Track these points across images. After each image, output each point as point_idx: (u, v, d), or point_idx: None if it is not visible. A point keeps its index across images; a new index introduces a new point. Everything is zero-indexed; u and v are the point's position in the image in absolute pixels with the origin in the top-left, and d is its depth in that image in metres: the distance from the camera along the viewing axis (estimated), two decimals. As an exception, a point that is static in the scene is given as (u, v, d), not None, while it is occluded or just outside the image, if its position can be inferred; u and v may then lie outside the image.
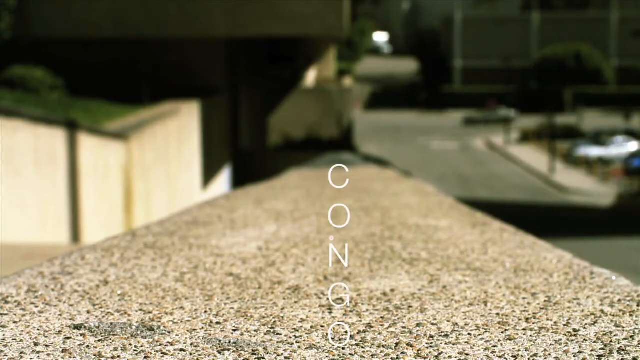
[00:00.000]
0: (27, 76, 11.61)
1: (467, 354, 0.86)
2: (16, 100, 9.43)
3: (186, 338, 0.91)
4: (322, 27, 14.47)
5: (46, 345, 0.89)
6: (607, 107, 64.87)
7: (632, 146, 46.43)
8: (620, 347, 0.89)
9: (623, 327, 0.96)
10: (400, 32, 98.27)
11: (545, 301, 1.08)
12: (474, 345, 0.89)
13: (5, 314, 1.02)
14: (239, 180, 15.05)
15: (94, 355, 0.86)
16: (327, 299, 1.11)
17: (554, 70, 60.23)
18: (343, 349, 0.89)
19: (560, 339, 0.91)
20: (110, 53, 14.21)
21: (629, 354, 0.87)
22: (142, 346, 0.88)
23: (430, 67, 74.37)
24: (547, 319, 0.99)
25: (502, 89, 58.71)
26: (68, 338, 0.92)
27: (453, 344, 0.90)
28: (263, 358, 0.84)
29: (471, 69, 71.76)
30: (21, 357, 0.85)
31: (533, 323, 0.98)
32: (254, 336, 0.91)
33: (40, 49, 12.92)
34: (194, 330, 0.94)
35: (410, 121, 62.81)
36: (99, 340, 0.90)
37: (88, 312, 1.02)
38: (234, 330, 0.94)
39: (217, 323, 0.97)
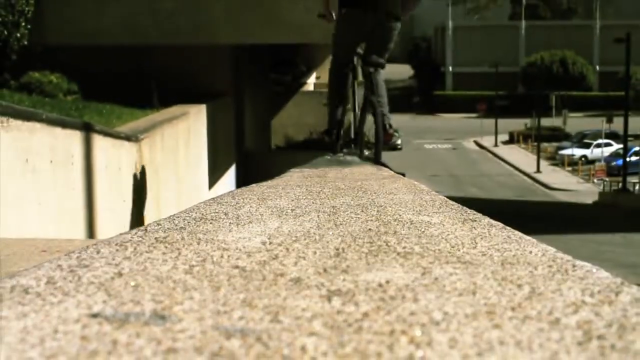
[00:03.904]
0: (43, 81, 11.62)
1: (456, 340, 0.87)
2: (33, 103, 9.43)
3: (195, 326, 0.92)
4: (323, 35, 14.46)
5: (65, 333, 0.90)
6: (590, 110, 64.81)
7: (614, 147, 46.41)
8: (600, 334, 0.90)
9: (602, 316, 0.97)
10: (396, 39, 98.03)
11: (529, 292, 1.09)
12: (463, 333, 0.90)
13: (27, 304, 1.03)
14: (244, 180, 15.04)
15: (110, 341, 0.87)
16: (327, 289, 1.12)
17: (540, 75, 60.19)
18: (341, 336, 0.90)
19: (544, 327, 0.92)
20: (120, 60, 14.21)
21: (607, 340, 0.88)
22: (154, 333, 0.89)
23: (424, 73, 74.31)
24: (532, 309, 1.00)
25: (492, 93, 58.68)
26: (86, 326, 0.92)
27: (444, 331, 0.91)
28: (267, 344, 0.85)
29: (462, 75, 71.65)
30: (42, 344, 0.86)
31: (518, 312, 0.99)
32: (259, 324, 0.92)
33: (55, 55, 12.91)
34: (203, 318, 0.95)
35: (405, 123, 62.73)
36: (114, 328, 0.91)
37: (104, 302, 1.03)
38: (240, 319, 0.95)
39: (224, 312, 0.98)
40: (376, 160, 5.35)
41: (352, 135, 5.83)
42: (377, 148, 5.49)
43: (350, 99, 5.79)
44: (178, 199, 10.64)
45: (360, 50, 5.56)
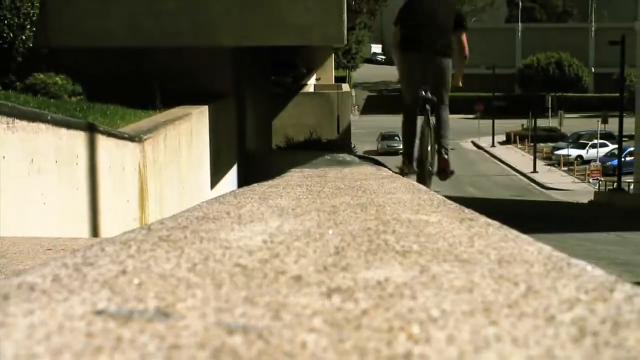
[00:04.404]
0: (48, 82, 11.61)
1: (454, 337, 0.87)
2: (39, 104, 9.43)
3: (198, 323, 0.92)
4: (323, 37, 14.47)
5: (70, 329, 0.90)
6: (586, 111, 64.80)
7: (609, 147, 46.40)
8: (594, 331, 0.90)
9: (597, 313, 0.97)
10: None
11: (525, 289, 1.09)
12: (460, 329, 0.90)
13: (33, 301, 1.03)
14: (245, 180, 15.03)
15: (114, 338, 0.87)
16: (327, 287, 1.12)
17: (536, 77, 60.14)
18: (341, 332, 0.90)
19: (539, 324, 0.92)
20: (123, 61, 14.20)
21: (601, 336, 0.88)
22: (158, 330, 0.90)
23: (422, 74, 74.24)
24: (528, 306, 1.00)
25: (489, 94, 58.66)
26: (90, 323, 0.93)
27: (441, 328, 0.91)
28: (268, 340, 0.86)
29: (460, 76, 71.31)
30: (48, 340, 0.86)
31: (514, 309, 0.99)
32: (260, 321, 0.93)
33: (59, 57, 12.91)
34: (205, 315, 0.96)
35: (404, 124, 62.64)
36: (118, 325, 0.92)
37: (108, 299, 1.04)
38: (242, 316, 0.95)
39: (227, 309, 0.98)
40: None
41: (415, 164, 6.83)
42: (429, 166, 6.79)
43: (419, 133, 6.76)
44: (181, 198, 10.64)
45: (425, 93, 6.63)
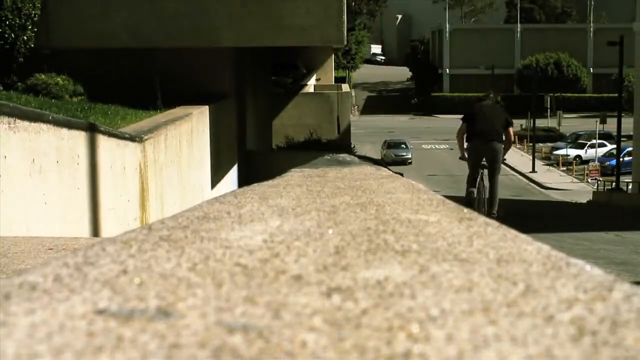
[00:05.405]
0: (50, 83, 11.62)
1: (453, 336, 0.87)
2: (40, 104, 9.43)
3: (199, 322, 0.92)
4: (323, 38, 14.46)
5: (72, 329, 0.90)
6: (584, 111, 64.82)
7: (607, 147, 46.40)
8: (593, 330, 0.90)
9: (595, 313, 0.97)
10: (394, 42, 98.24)
11: (524, 289, 1.09)
12: (459, 328, 0.90)
13: (34, 301, 1.03)
14: (246, 180, 15.03)
15: (115, 337, 0.87)
16: (327, 286, 1.12)
17: (535, 77, 60.15)
18: (341, 331, 0.90)
19: (538, 323, 0.92)
20: (125, 62, 14.20)
21: (600, 336, 0.88)
22: (159, 329, 0.89)
23: (422, 75, 74.31)
24: (526, 305, 1.00)
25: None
26: (91, 322, 0.93)
27: (441, 327, 0.91)
28: (268, 339, 0.85)
29: (459, 76, 71.61)
30: (49, 339, 0.86)
31: (513, 308, 0.99)
32: (261, 320, 0.92)
33: (61, 58, 12.90)
34: (206, 315, 0.95)
35: (403, 124, 62.73)
36: (119, 324, 0.91)
37: (109, 298, 1.03)
38: (242, 315, 0.95)
39: (227, 308, 0.98)
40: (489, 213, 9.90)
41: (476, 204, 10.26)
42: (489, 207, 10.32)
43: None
44: (181, 198, 10.64)
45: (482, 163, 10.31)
